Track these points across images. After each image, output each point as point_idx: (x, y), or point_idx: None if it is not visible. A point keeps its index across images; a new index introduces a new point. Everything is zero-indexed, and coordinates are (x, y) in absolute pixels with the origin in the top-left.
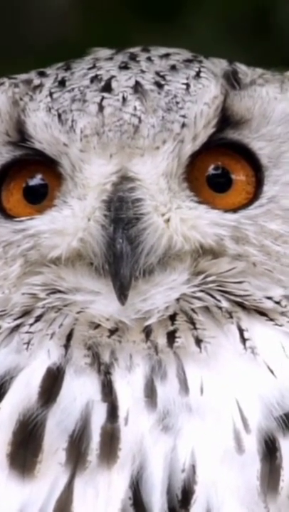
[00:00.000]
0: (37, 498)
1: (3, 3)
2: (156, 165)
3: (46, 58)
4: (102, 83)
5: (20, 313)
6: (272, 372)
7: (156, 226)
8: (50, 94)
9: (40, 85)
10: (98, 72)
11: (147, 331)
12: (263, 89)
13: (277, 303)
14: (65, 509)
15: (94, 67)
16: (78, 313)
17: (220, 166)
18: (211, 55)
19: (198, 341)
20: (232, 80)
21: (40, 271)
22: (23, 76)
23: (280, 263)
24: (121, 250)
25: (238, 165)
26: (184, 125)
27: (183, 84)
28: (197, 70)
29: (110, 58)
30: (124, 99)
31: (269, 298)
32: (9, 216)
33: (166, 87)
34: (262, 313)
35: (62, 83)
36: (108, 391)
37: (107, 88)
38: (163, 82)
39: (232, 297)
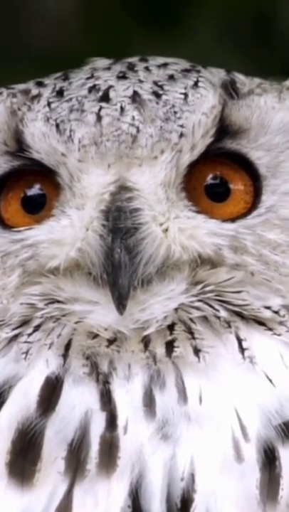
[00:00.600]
0: (36, 507)
1: (3, 6)
2: (154, 175)
3: (46, 64)
4: (100, 93)
5: (19, 323)
6: (270, 381)
7: (155, 236)
8: (48, 104)
9: (38, 95)
10: (96, 82)
11: (146, 341)
12: (261, 99)
13: (276, 312)
14: None
15: (92, 77)
16: (76, 323)
17: (218, 176)
18: (212, 59)
19: (197, 351)
20: (230, 90)
21: (39, 281)
22: (21, 86)
23: (278, 273)
24: (119, 260)
25: (236, 174)
26: (182, 135)
27: (181, 94)
28: (195, 79)
29: (108, 68)
30: (122, 108)
31: (267, 307)
32: (7, 226)
33: (164, 97)
34: (260, 322)
35: (60, 93)
36: (107, 400)
37: (105, 98)
38: (161, 92)
39: (230, 307)
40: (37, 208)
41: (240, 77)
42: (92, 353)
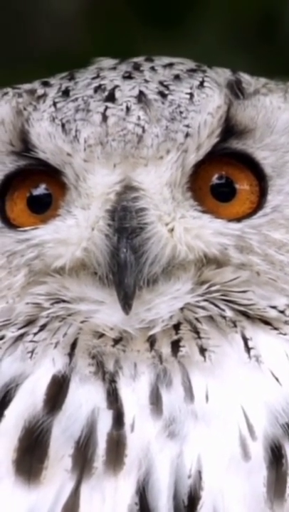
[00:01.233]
0: (43, 505)
1: (7, 7)
2: (160, 174)
3: (51, 64)
4: (106, 93)
5: (25, 322)
6: (277, 380)
7: (160, 235)
8: (54, 104)
9: (44, 95)
10: (102, 82)
11: (151, 341)
12: (266, 99)
13: (282, 312)
14: None
15: (98, 76)
16: (82, 322)
17: (224, 176)
18: (217, 60)
19: (203, 350)
20: (236, 90)
21: (44, 280)
22: (27, 86)
23: (283, 272)
24: (125, 260)
25: (241, 174)
26: (187, 135)
27: (186, 93)
28: (201, 79)
29: (114, 68)
30: (127, 108)
31: (273, 307)
32: (13, 226)
33: (169, 97)
34: (266, 322)
35: (66, 93)
36: (113, 399)
37: (111, 98)
38: (167, 92)
39: (236, 306)
40: (43, 208)
41: (245, 77)
42: (98, 353)
